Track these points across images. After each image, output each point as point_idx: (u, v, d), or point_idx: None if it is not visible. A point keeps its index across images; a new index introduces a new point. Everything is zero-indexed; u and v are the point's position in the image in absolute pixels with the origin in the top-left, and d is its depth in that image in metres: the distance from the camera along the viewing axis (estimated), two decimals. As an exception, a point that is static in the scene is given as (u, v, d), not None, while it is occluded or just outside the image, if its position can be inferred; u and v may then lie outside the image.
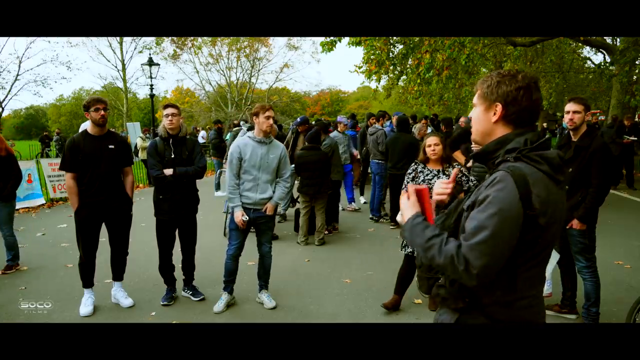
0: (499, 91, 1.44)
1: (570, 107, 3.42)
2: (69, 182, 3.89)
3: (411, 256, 3.92)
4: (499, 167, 1.40)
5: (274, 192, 4.01)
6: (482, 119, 1.50)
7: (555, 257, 3.52)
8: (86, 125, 4.02)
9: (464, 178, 3.79)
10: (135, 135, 17.19)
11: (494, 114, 1.45)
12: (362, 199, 8.91)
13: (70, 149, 3.83)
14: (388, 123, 8.83)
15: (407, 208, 1.54)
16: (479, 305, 1.44)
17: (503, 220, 1.29)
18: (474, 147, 4.05)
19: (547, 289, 3.39)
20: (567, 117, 3.44)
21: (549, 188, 1.37)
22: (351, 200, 8.22)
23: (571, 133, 3.49)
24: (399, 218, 1.59)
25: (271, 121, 3.88)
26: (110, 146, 3.92)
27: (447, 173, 3.82)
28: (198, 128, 23.94)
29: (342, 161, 7.39)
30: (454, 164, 3.96)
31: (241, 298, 4.28)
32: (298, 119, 7.74)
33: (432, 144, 3.82)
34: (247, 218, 3.87)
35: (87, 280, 4.04)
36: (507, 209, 1.30)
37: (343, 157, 7.53)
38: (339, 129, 8.00)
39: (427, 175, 3.82)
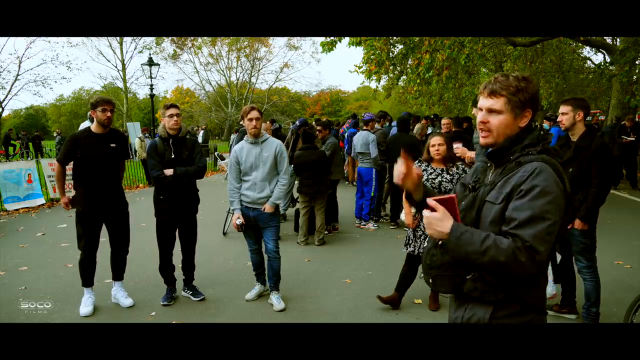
0: (528, 97, 1.52)
1: (560, 109, 3.52)
2: (59, 169, 3.96)
3: (413, 255, 3.93)
4: (521, 159, 1.49)
5: (272, 191, 4.02)
6: (511, 125, 1.54)
7: (558, 257, 3.52)
8: (85, 125, 4.03)
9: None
10: (135, 135, 17.18)
11: (523, 118, 1.54)
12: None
13: (71, 142, 3.87)
14: (393, 123, 8.70)
15: (442, 220, 1.47)
16: (515, 295, 1.48)
17: (558, 207, 1.41)
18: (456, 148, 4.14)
19: (551, 290, 3.39)
20: (559, 119, 3.54)
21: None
22: (368, 216, 7.06)
23: (569, 133, 3.53)
24: (435, 230, 1.49)
25: (255, 122, 3.90)
26: (112, 144, 3.95)
27: (450, 172, 3.86)
28: (198, 128, 23.88)
29: (372, 164, 6.78)
30: (457, 163, 4.00)
31: (241, 298, 4.28)
32: (297, 122, 7.68)
33: (436, 144, 3.86)
34: (242, 221, 4.00)
35: (87, 279, 4.03)
36: (558, 195, 1.42)
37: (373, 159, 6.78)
38: (367, 127, 7.12)
39: (431, 174, 3.88)
